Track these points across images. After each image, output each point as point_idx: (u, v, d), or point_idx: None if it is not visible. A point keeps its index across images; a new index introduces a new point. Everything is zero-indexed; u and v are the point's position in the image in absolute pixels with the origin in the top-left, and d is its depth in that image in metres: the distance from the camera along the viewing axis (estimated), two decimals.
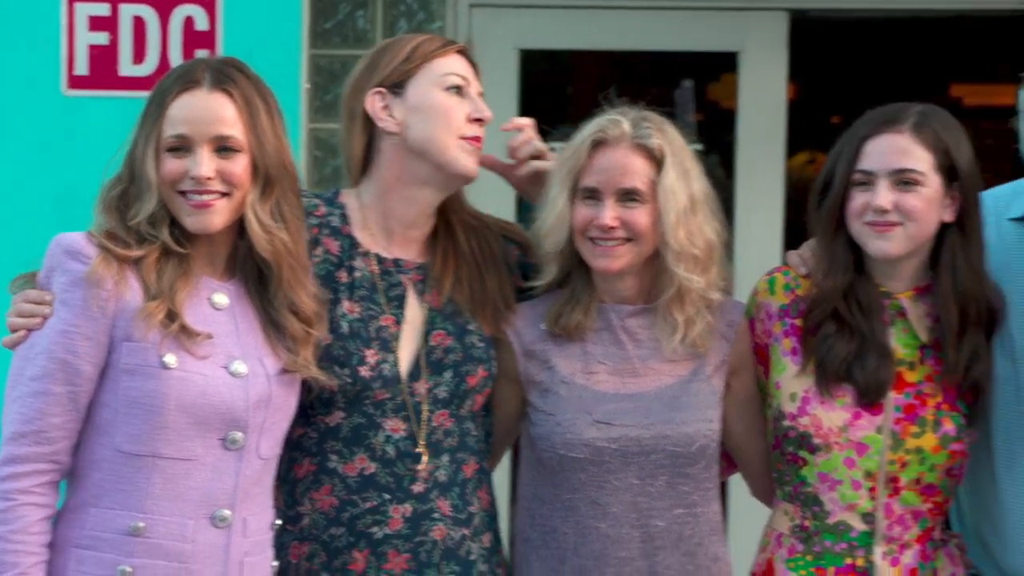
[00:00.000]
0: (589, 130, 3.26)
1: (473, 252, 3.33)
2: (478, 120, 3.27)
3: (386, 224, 3.30)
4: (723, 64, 6.65)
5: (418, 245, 3.32)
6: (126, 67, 5.00)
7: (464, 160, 3.26)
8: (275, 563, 3.12)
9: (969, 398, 3.27)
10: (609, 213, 3.20)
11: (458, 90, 3.26)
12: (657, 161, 3.22)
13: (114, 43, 5.00)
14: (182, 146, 2.96)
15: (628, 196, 3.22)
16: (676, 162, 3.23)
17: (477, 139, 3.28)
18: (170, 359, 2.91)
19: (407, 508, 3.19)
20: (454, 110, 3.25)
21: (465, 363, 3.25)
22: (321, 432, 3.21)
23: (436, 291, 3.29)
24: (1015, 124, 3.48)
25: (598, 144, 3.24)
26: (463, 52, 3.32)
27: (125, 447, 2.91)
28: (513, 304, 3.34)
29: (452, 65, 3.28)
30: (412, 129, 3.25)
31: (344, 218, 3.30)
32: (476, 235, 3.36)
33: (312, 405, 3.18)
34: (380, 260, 3.28)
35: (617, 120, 3.25)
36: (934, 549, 3.28)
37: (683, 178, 3.23)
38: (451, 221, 3.34)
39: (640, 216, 3.21)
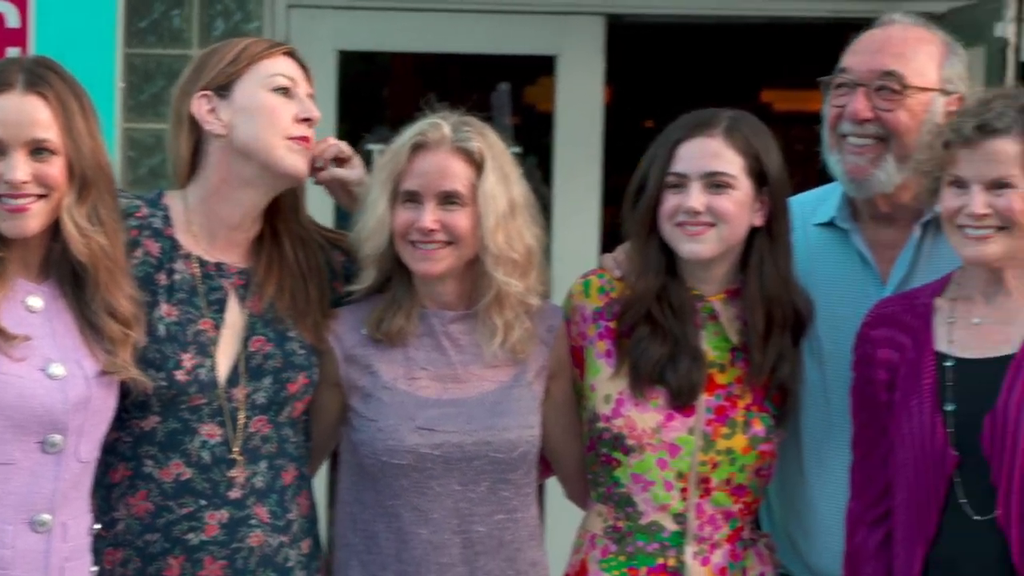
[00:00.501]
0: (409, 134, 3.27)
1: (299, 262, 3.31)
2: (306, 120, 3.26)
3: (210, 226, 3.27)
4: (540, 67, 6.70)
5: (242, 249, 3.29)
6: None
7: (291, 159, 3.24)
8: (94, 568, 3.08)
9: (777, 400, 3.34)
10: (429, 216, 3.21)
11: (284, 91, 3.24)
12: (477, 165, 3.23)
13: None
14: None
15: (448, 199, 3.23)
16: (496, 166, 3.25)
17: (305, 139, 3.26)
18: None
19: (223, 514, 3.16)
20: (280, 110, 3.24)
21: (285, 370, 3.24)
22: (136, 436, 3.17)
23: (258, 297, 3.27)
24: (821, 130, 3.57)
25: (418, 148, 3.24)
26: (291, 54, 3.30)
27: None
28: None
29: (279, 66, 3.26)
30: (238, 130, 3.22)
31: (167, 220, 3.26)
32: (303, 245, 3.33)
33: (127, 409, 3.14)
34: (202, 263, 3.25)
35: (437, 124, 3.26)
36: (744, 549, 3.34)
37: (503, 182, 3.25)
38: (278, 229, 3.32)
39: (460, 219, 3.22)
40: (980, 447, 3.05)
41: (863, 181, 3.42)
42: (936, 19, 5.56)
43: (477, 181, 3.23)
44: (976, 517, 3.06)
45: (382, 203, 3.25)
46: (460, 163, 3.23)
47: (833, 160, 3.46)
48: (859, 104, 3.40)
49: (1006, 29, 5.52)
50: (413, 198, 3.24)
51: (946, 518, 3.08)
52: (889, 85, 3.41)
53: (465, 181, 3.23)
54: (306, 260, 3.32)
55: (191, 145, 3.26)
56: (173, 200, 3.29)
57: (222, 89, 3.23)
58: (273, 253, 3.30)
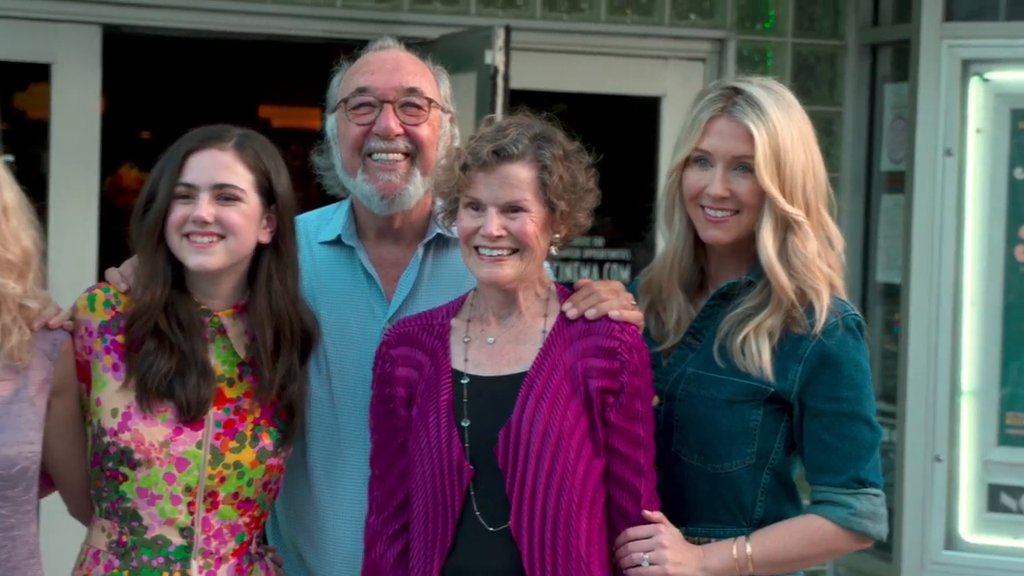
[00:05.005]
0: None
1: None
2: None
3: None
4: (31, 73, 6.53)
5: None
6: None
7: None
8: None
9: (285, 415, 3.37)
10: None
11: None
12: None
13: None
14: None
15: None
16: None
17: None
18: None
19: None
20: None
21: None
22: None
23: None
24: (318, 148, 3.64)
25: None
26: None
27: None
28: None
29: None
30: None
31: None
32: None
33: None
34: None
35: None
36: (250, 563, 3.35)
37: None
38: None
39: None
40: (494, 461, 3.18)
41: (395, 197, 3.50)
42: (428, 45, 5.78)
43: None
44: (490, 528, 3.19)
45: None
46: None
47: (358, 180, 3.52)
48: (391, 119, 3.48)
49: (495, 57, 5.77)
50: None
51: (462, 529, 3.19)
52: (414, 100, 3.51)
53: None
54: None
55: None
56: None
57: None
58: None
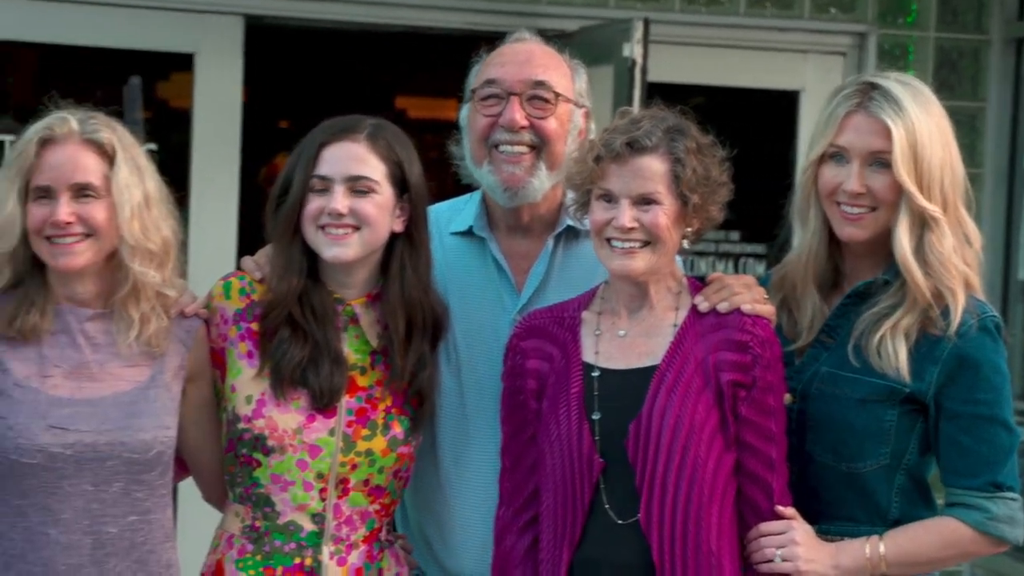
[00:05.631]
0: (35, 129, 3.21)
1: None
2: None
3: None
4: (174, 63, 6.62)
5: None
6: None
7: None
8: None
9: (415, 403, 3.39)
10: (64, 209, 3.16)
11: None
12: (109, 157, 3.20)
13: None
14: None
15: (82, 192, 3.18)
16: (128, 157, 3.22)
17: None
18: None
19: None
20: None
21: None
22: None
23: None
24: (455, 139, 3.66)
25: (46, 142, 3.19)
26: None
27: None
28: None
29: None
30: None
31: None
32: None
33: None
34: None
35: (64, 118, 3.21)
36: (380, 550, 3.38)
37: (136, 173, 3.23)
38: None
39: (96, 211, 3.18)
40: (624, 454, 3.17)
41: (518, 190, 3.51)
42: (566, 37, 5.78)
43: (110, 173, 3.20)
44: (619, 521, 3.18)
45: (12, 200, 3.18)
46: (91, 155, 3.20)
47: (484, 171, 3.53)
48: (516, 112, 3.49)
49: (633, 50, 5.75)
50: (46, 193, 3.18)
51: (591, 522, 3.19)
52: (541, 94, 3.51)
53: (98, 173, 3.20)
54: None
55: None
56: None
57: None
58: None
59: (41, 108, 3.28)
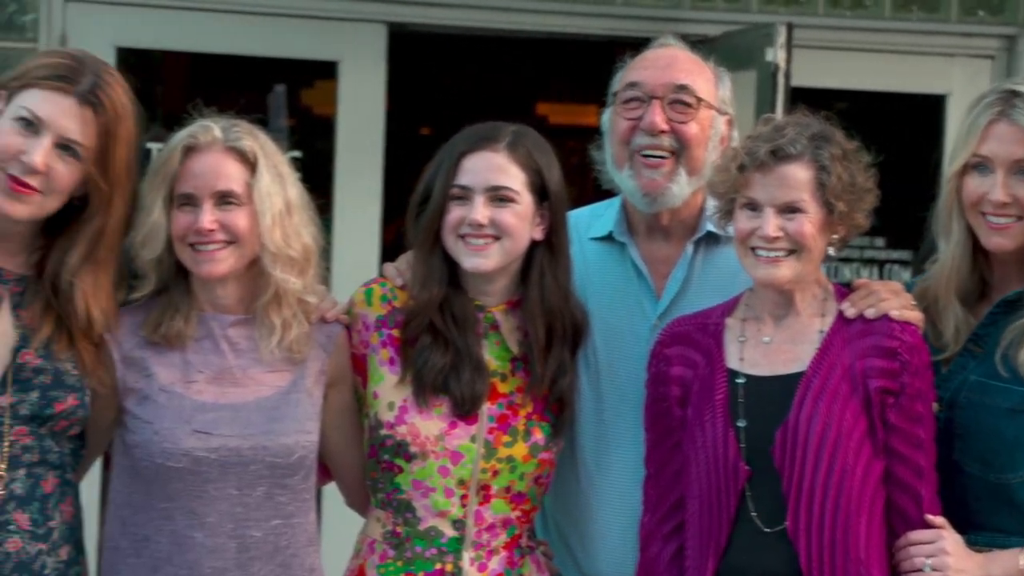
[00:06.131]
0: (179, 137, 3.25)
1: None
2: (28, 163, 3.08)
3: None
4: (318, 70, 6.68)
5: (19, 258, 3.20)
6: None
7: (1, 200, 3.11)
8: None
9: (556, 409, 3.38)
10: (207, 217, 3.19)
11: (27, 124, 3.11)
12: (251, 164, 3.23)
13: None
14: None
15: (225, 199, 3.21)
16: (270, 165, 3.25)
17: (21, 183, 3.10)
18: None
19: None
20: (5, 142, 3.10)
21: (54, 388, 3.16)
22: None
23: (32, 308, 3.18)
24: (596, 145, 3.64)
25: (190, 150, 3.23)
26: (66, 90, 3.13)
27: None
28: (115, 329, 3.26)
29: (33, 97, 3.12)
30: None
31: None
32: None
33: None
34: None
35: (207, 126, 3.25)
36: (521, 556, 3.38)
37: (278, 181, 3.26)
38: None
39: (239, 218, 3.22)
40: (770, 461, 3.14)
41: (658, 195, 3.49)
42: (708, 42, 5.74)
43: (252, 180, 3.23)
44: (766, 529, 3.15)
45: (157, 207, 3.22)
46: (234, 163, 3.23)
47: (624, 175, 3.52)
48: (657, 115, 3.47)
49: (776, 54, 5.70)
50: (189, 201, 3.22)
51: (737, 530, 3.17)
52: (683, 98, 3.49)
53: (240, 180, 3.23)
54: None
55: None
56: None
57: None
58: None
59: (187, 116, 3.32)
